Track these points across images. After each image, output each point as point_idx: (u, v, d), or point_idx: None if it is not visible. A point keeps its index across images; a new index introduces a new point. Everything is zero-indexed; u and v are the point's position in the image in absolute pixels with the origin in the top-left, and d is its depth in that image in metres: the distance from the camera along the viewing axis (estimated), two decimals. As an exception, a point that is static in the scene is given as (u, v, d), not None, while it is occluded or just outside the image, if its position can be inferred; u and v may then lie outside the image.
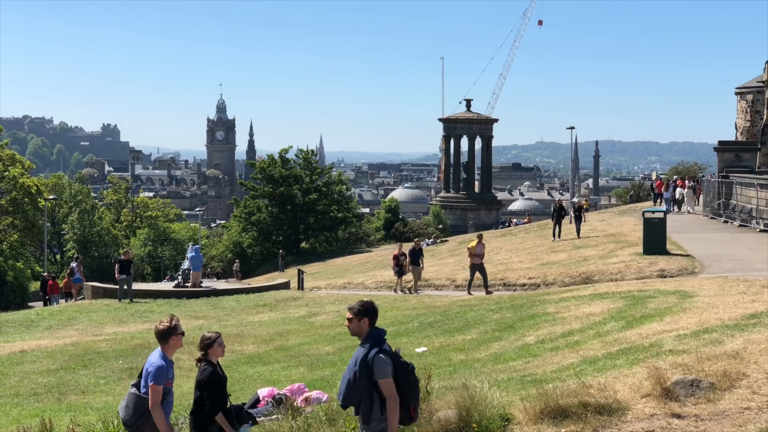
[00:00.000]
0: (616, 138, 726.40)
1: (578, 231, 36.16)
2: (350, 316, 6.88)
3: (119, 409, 7.78)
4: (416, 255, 29.13)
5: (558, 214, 37.47)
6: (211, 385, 7.68)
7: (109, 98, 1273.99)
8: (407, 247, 31.78)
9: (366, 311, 6.87)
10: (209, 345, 7.84)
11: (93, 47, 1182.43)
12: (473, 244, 26.81)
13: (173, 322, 7.61)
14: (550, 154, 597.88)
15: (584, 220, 38.07)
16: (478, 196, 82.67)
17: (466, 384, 9.32)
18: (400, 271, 29.65)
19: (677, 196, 46.34)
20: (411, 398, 6.84)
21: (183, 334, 7.73)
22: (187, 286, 33.09)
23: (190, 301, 29.51)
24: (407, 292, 28.92)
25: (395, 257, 29.92)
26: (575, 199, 75.01)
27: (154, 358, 7.60)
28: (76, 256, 44.60)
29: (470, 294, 25.99)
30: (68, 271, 38.15)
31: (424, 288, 29.60)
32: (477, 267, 26.36)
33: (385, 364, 6.68)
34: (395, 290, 29.53)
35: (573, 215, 37.96)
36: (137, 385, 7.71)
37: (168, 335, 7.59)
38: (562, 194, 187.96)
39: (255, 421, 8.51)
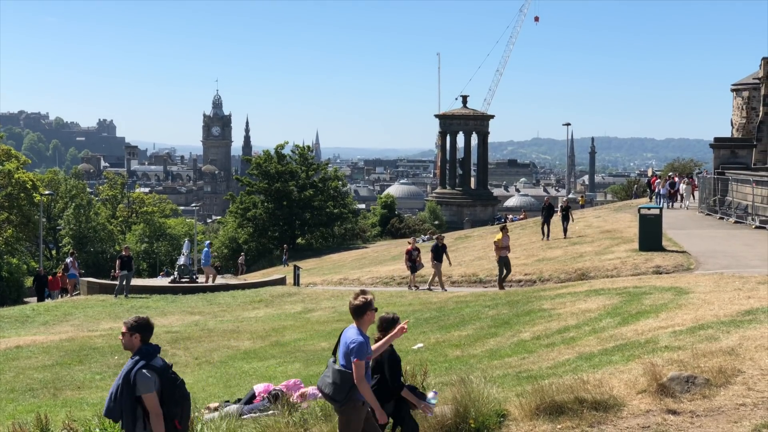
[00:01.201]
0: (612, 134, 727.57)
1: (565, 230, 35.39)
2: (123, 330, 6.97)
3: (322, 386, 7.74)
4: (439, 251, 27.46)
5: (547, 213, 36.56)
6: (391, 364, 8.08)
7: (105, 94, 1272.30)
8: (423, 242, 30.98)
9: (139, 327, 6.95)
10: (390, 326, 8.12)
11: (89, 43, 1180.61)
12: (499, 236, 25.84)
13: (368, 298, 7.70)
14: (546, 150, 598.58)
15: (572, 220, 36.95)
16: (474, 192, 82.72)
17: (463, 379, 9.33)
18: (413, 267, 28.33)
19: (682, 192, 46.79)
20: (176, 413, 6.92)
21: (376, 309, 7.82)
22: (182, 282, 33.05)
23: (186, 297, 29.49)
24: (418, 288, 27.84)
25: (408, 252, 28.62)
26: (571, 195, 75.11)
27: (353, 334, 7.63)
28: (71, 251, 44.48)
29: (502, 288, 24.99)
30: (63, 266, 37.99)
31: (422, 284, 29.20)
32: (504, 260, 25.59)
33: (148, 380, 6.73)
34: (409, 286, 28.38)
35: (560, 214, 36.83)
36: (335, 362, 7.79)
37: (363, 310, 7.66)
38: (558, 190, 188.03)
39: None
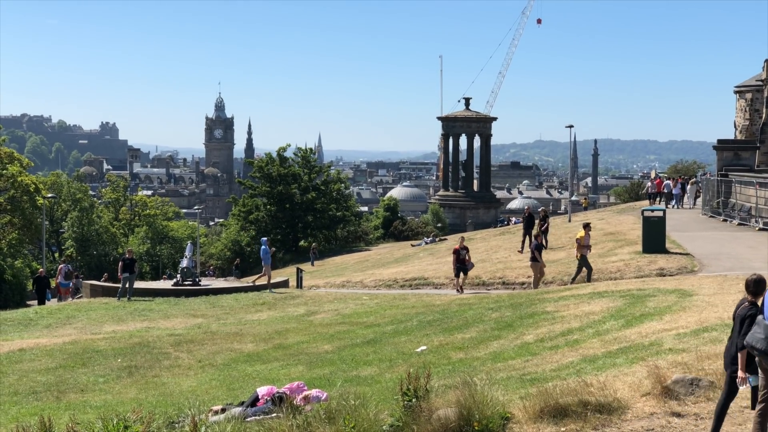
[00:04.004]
0: (615, 136, 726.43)
1: (545, 241, 32.80)
2: None
3: (753, 342, 7.92)
4: (540, 249, 25.74)
5: (527, 223, 34.83)
6: (748, 322, 8.14)
7: (107, 96, 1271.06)
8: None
9: None
10: (757, 287, 8.38)
11: (91, 45, 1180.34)
12: (581, 234, 24.69)
13: None
14: (548, 152, 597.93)
15: (548, 230, 34.18)
16: (477, 194, 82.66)
17: (467, 382, 9.31)
18: (460, 268, 26.90)
19: (688, 193, 47.43)
20: None
21: None
22: (186, 285, 33.02)
23: (189, 300, 29.47)
24: (462, 291, 26.55)
25: (456, 251, 27.12)
26: (574, 197, 75.11)
27: None
28: (63, 258, 43.68)
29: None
30: (60, 272, 37.04)
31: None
32: (585, 259, 24.49)
33: None
34: (457, 289, 26.99)
35: (538, 224, 34.54)
36: (765, 318, 7.98)
37: None
38: (561, 193, 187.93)
39: None
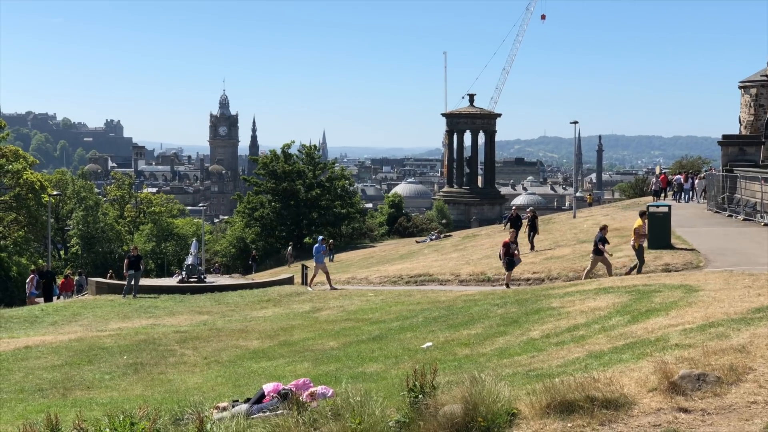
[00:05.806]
0: (620, 132, 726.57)
1: (532, 244, 32.94)
2: None
3: None
4: (603, 242, 23.93)
5: (514, 225, 34.05)
6: None
7: (112, 94, 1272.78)
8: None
9: None
10: None
11: (96, 43, 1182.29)
12: (639, 223, 23.49)
13: None
14: (553, 148, 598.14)
15: (538, 231, 33.63)
16: (482, 190, 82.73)
17: (474, 377, 9.30)
18: (510, 262, 25.52)
19: (700, 187, 47.97)
20: None
21: None
22: (191, 282, 33.06)
23: (194, 297, 29.53)
24: (509, 286, 25.12)
25: (505, 245, 25.52)
26: (578, 194, 75.00)
27: None
28: (32, 268, 42.93)
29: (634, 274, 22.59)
30: (32, 282, 36.15)
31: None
32: (641, 249, 23.27)
33: None
34: (507, 285, 25.45)
35: (526, 225, 33.95)
36: None
37: None
38: (565, 189, 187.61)
39: None
